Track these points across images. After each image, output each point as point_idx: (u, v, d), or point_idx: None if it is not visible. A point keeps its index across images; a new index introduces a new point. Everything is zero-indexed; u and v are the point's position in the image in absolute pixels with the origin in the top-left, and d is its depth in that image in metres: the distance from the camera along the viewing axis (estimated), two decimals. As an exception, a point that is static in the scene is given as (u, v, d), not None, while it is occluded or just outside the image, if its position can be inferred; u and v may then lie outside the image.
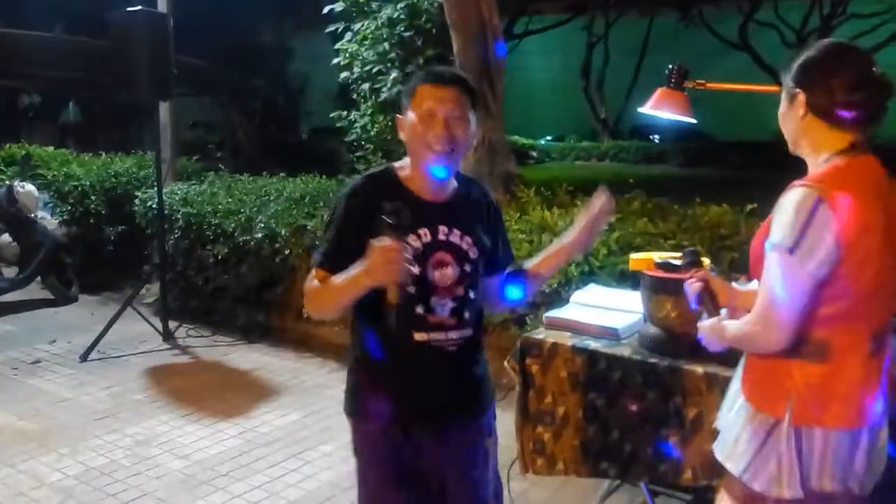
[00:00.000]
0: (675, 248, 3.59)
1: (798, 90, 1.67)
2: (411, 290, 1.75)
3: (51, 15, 15.00)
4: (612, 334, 2.72)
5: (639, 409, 2.54)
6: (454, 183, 1.91)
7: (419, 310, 1.81)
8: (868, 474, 1.69)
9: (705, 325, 1.84)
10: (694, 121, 2.53)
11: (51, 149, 8.73)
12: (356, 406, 1.93)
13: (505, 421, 3.84)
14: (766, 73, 16.65)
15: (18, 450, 3.66)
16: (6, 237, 6.60)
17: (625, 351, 2.61)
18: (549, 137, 26.01)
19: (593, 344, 2.68)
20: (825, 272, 1.57)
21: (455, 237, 1.84)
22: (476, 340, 1.93)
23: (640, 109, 2.62)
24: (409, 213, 1.67)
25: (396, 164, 1.92)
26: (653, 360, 2.52)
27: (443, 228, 1.84)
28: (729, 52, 18.89)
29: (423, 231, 1.81)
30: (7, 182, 6.65)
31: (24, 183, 6.52)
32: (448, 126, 1.77)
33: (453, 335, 1.84)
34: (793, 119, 1.70)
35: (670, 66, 2.52)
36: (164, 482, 3.35)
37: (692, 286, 1.90)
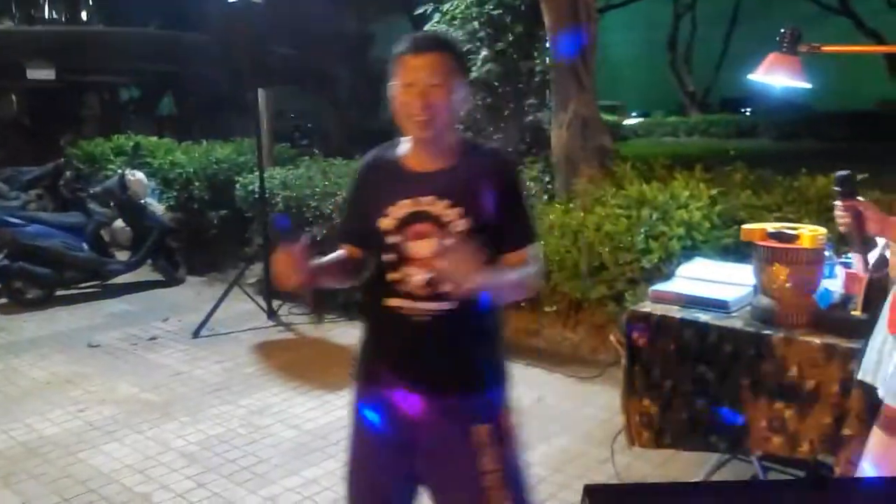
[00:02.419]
0: (780, 220, 3.51)
1: None
2: (391, 257, 1.77)
3: (143, 12, 15.66)
4: (722, 306, 2.69)
5: (751, 381, 2.51)
6: (451, 153, 1.80)
7: (394, 276, 1.77)
8: None
9: None
10: (809, 85, 2.45)
11: (155, 139, 9.15)
12: (353, 366, 1.95)
13: (604, 396, 3.91)
14: (869, 38, 15.76)
15: (144, 418, 3.92)
16: (120, 222, 6.99)
17: (736, 323, 2.58)
18: (634, 114, 25.42)
19: (703, 317, 2.66)
20: None
21: (438, 207, 1.75)
22: (463, 316, 1.76)
23: (750, 76, 2.55)
24: (285, 224, 1.74)
25: (400, 139, 1.88)
26: (767, 331, 2.48)
27: (425, 199, 1.76)
28: (827, 17, 17.96)
29: (406, 202, 1.76)
30: (119, 171, 7.02)
31: (135, 171, 6.87)
32: (424, 95, 1.71)
33: (426, 306, 1.76)
34: None
35: (783, 30, 2.44)
36: (279, 450, 3.52)
37: (843, 219, 1.96)
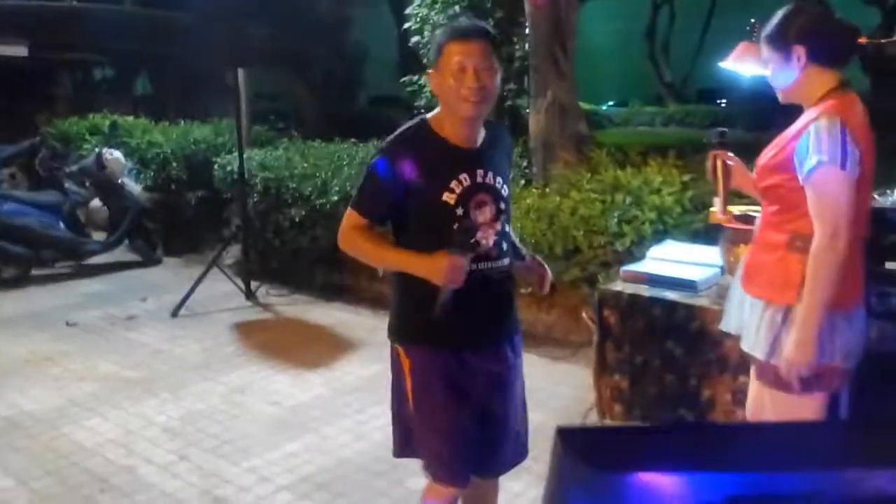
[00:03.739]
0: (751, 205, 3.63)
1: (798, 45, 1.98)
2: (459, 227, 1.97)
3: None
4: (690, 286, 2.80)
5: (717, 357, 2.63)
6: (483, 130, 2.05)
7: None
8: (855, 351, 2.01)
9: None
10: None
11: (131, 118, 9.09)
12: (409, 332, 2.09)
13: (577, 375, 4.02)
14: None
15: (126, 395, 3.96)
16: (97, 202, 6.96)
17: (703, 301, 2.70)
18: (611, 103, 25.54)
19: (671, 295, 2.78)
20: (856, 175, 1.92)
21: (490, 179, 2.01)
22: (510, 269, 2.11)
23: (720, 64, 2.67)
24: (474, 231, 1.94)
25: (429, 116, 2.05)
26: (732, 309, 2.59)
27: (479, 172, 1.99)
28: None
29: (463, 176, 1.97)
30: (95, 149, 6.99)
31: (112, 150, 6.84)
32: (479, 78, 1.90)
33: (497, 264, 2.04)
34: (792, 71, 2.00)
35: (752, 21, 2.56)
36: (260, 424, 3.60)
37: (712, 164, 2.24)
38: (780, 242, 2.03)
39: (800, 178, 1.94)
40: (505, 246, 2.06)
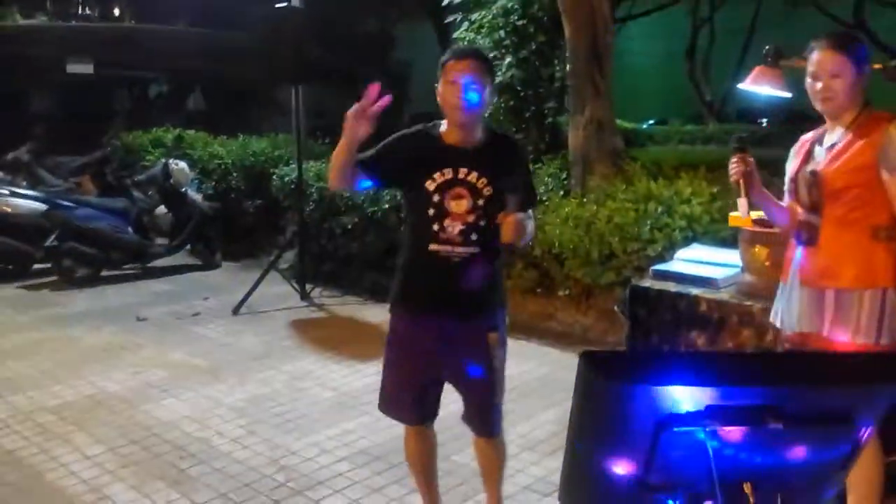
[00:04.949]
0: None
1: (864, 61, 2.28)
2: (433, 212, 2.33)
3: (172, 10, 16.22)
4: (711, 283, 3.10)
5: (735, 345, 2.92)
6: (480, 136, 2.39)
7: (435, 227, 2.34)
8: None
9: None
10: (789, 95, 2.86)
11: (192, 132, 9.64)
12: (392, 298, 2.52)
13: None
14: (883, 53, 16.02)
15: (196, 380, 4.37)
16: (162, 209, 7.46)
17: (723, 296, 2.99)
18: (651, 121, 25.67)
19: (695, 290, 3.08)
20: None
21: (471, 177, 2.33)
22: (483, 257, 2.37)
23: (739, 85, 2.97)
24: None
25: (441, 122, 2.43)
26: (748, 302, 2.89)
27: (462, 169, 2.34)
28: (843, 31, 18.22)
29: (447, 170, 2.33)
30: (162, 160, 7.51)
31: (178, 161, 7.35)
32: (465, 89, 2.27)
33: (459, 250, 2.34)
34: (858, 83, 2.27)
35: (767, 47, 2.87)
36: (319, 407, 3.97)
37: (737, 168, 2.41)
38: (861, 237, 2.28)
39: (887, 173, 2.21)
40: (474, 237, 2.34)
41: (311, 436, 3.62)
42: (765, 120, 23.45)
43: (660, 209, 4.41)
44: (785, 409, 1.27)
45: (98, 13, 17.67)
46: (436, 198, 2.34)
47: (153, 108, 19.17)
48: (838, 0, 18.65)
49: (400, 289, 2.50)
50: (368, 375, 4.39)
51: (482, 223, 2.36)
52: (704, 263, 3.29)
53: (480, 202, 2.34)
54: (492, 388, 2.48)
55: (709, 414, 1.26)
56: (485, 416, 2.54)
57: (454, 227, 2.34)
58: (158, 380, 4.38)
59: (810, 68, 2.33)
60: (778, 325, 2.53)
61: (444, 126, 2.41)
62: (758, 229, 2.91)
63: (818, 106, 2.35)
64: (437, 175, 2.34)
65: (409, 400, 2.53)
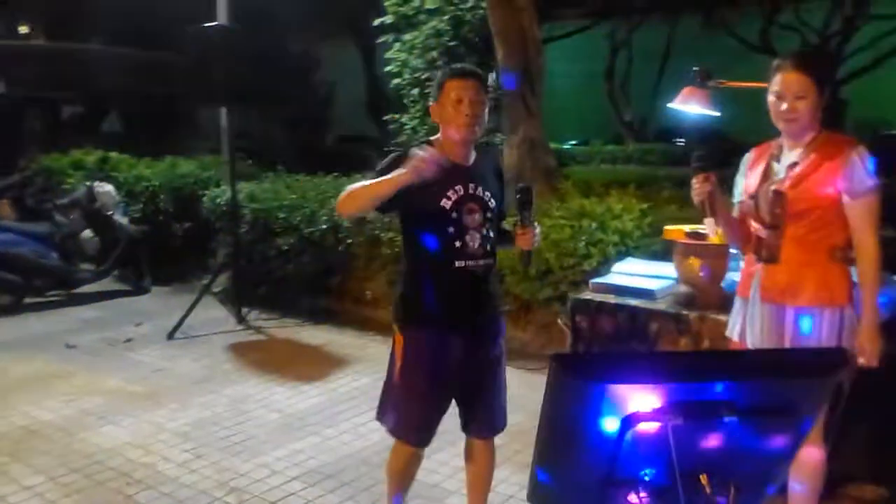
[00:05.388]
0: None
1: (825, 82, 2.38)
2: (452, 228, 2.41)
3: (86, 28, 15.78)
4: (648, 295, 3.26)
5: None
6: (475, 152, 2.51)
7: (457, 244, 2.42)
8: None
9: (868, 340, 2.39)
10: (718, 113, 3.06)
11: (114, 154, 9.39)
12: (406, 317, 2.53)
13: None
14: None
15: (135, 406, 4.27)
16: (88, 233, 7.23)
17: (660, 306, 3.15)
18: (573, 142, 26.35)
19: (633, 302, 3.23)
20: None
21: (479, 191, 2.46)
22: (493, 266, 2.54)
23: (669, 105, 3.16)
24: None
25: (433, 138, 2.52)
26: (685, 312, 3.06)
27: (471, 185, 2.45)
28: (751, 55, 19.18)
29: (458, 187, 2.43)
30: (87, 183, 7.30)
31: (103, 183, 7.16)
32: (472, 107, 2.38)
33: (481, 262, 2.46)
34: (823, 102, 2.37)
35: (695, 68, 3.06)
36: (265, 429, 3.94)
37: (701, 188, 2.43)
38: (820, 257, 2.38)
39: (849, 198, 2.32)
40: (489, 247, 2.48)
41: (259, 457, 3.60)
42: (681, 140, 24.38)
43: (593, 225, 4.59)
44: (738, 403, 1.40)
45: (4, 29, 17.05)
46: (454, 215, 2.42)
47: (67, 130, 18.54)
48: (748, 24, 19.72)
49: (418, 308, 2.49)
50: (313, 396, 4.39)
51: (492, 234, 2.49)
52: (640, 276, 3.46)
53: (489, 214, 2.47)
54: (499, 391, 2.62)
55: (671, 409, 1.37)
56: (497, 414, 2.63)
57: (474, 242, 2.44)
58: (95, 407, 4.27)
59: (775, 87, 2.36)
60: (736, 339, 2.59)
61: (440, 144, 2.46)
62: (691, 241, 3.08)
63: (781, 126, 2.40)
64: (450, 193, 2.42)
65: (427, 420, 2.54)
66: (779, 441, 1.44)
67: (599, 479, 1.46)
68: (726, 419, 1.38)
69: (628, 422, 1.36)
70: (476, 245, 2.44)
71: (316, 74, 23.04)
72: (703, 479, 1.48)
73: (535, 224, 2.49)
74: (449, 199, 2.41)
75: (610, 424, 1.37)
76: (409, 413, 2.53)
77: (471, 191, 2.45)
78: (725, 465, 1.47)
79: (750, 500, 1.47)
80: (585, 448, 1.42)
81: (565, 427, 1.42)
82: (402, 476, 2.67)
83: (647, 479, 1.48)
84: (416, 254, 2.50)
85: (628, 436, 1.38)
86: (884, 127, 15.55)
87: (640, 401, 1.37)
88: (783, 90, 2.35)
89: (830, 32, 18.83)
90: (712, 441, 1.43)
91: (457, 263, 2.43)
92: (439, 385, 2.51)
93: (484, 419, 2.63)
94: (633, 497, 1.49)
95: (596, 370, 1.34)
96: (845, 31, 18.17)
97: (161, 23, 11.51)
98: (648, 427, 1.38)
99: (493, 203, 2.49)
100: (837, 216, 2.36)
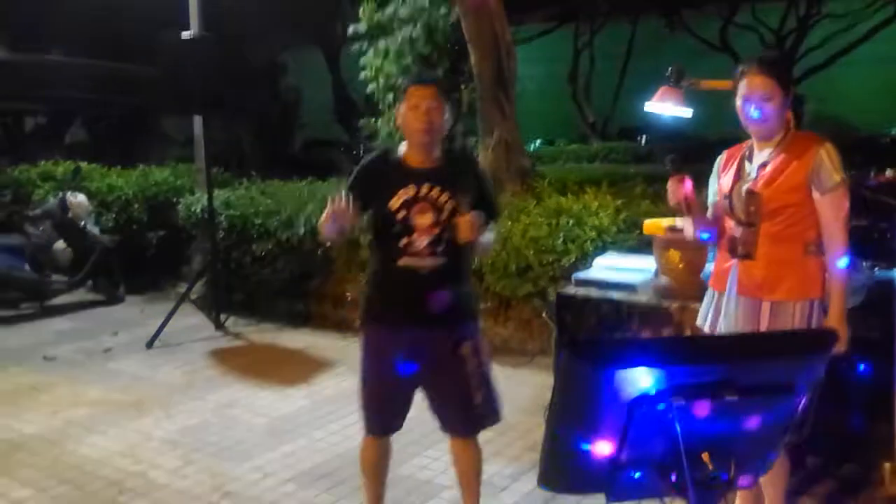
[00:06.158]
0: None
1: (791, 85, 2.46)
2: (399, 228, 2.47)
3: (45, 38, 15.52)
4: (631, 287, 3.35)
5: (656, 343, 3.17)
6: (438, 154, 2.56)
7: (402, 243, 2.50)
8: None
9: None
10: (690, 112, 3.17)
11: (84, 163, 9.27)
12: (363, 314, 2.67)
13: (535, 378, 4.52)
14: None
15: (121, 415, 4.25)
16: (61, 243, 7.15)
17: (642, 298, 3.25)
18: (539, 142, 26.60)
19: (616, 295, 3.32)
20: None
21: (434, 193, 2.49)
22: (451, 268, 2.53)
23: (646, 105, 3.25)
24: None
25: (401, 145, 2.62)
26: (666, 303, 3.16)
27: (425, 186, 2.50)
28: (710, 53, 19.57)
29: (410, 187, 2.49)
30: (59, 193, 7.21)
31: (76, 193, 7.08)
32: (428, 113, 2.46)
33: (427, 262, 2.49)
34: (785, 107, 2.45)
35: (670, 68, 3.16)
36: (254, 433, 3.96)
37: (679, 189, 2.53)
38: (795, 252, 2.45)
39: (818, 193, 2.39)
40: (440, 248, 2.49)
41: (251, 461, 3.62)
42: (643, 137, 24.77)
43: (571, 222, 4.68)
44: (738, 383, 1.48)
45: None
46: (400, 214, 2.48)
47: (30, 141, 18.21)
48: (707, 24, 20.14)
49: (370, 304, 2.63)
50: (298, 400, 4.42)
51: (447, 235, 2.50)
52: (621, 269, 3.55)
53: (443, 216, 2.49)
54: (468, 393, 2.60)
55: (675, 391, 1.45)
56: (470, 413, 2.65)
57: (421, 241, 2.49)
58: (79, 417, 4.24)
59: (742, 91, 2.44)
60: (707, 329, 2.67)
61: (403, 149, 2.58)
62: (671, 235, 3.18)
63: (751, 128, 2.48)
64: (400, 192, 2.49)
65: (378, 410, 2.66)
66: (776, 416, 1.52)
67: (609, 460, 1.53)
68: (728, 398, 1.46)
69: (637, 403, 1.43)
70: (423, 245, 2.49)
71: (282, 80, 23.01)
72: (706, 456, 1.56)
73: (480, 215, 2.47)
74: (398, 198, 2.49)
75: (619, 407, 1.44)
76: (364, 402, 2.68)
77: (423, 192, 2.50)
78: (726, 443, 1.55)
79: (749, 473, 1.55)
80: (596, 430, 1.49)
81: (577, 411, 1.48)
82: (369, 466, 2.77)
83: (652, 458, 1.56)
84: (372, 254, 2.66)
85: (636, 417, 1.46)
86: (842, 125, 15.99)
87: (646, 384, 1.44)
88: (750, 94, 2.43)
89: (786, 32, 19.31)
90: (714, 420, 1.51)
91: (401, 262, 2.50)
92: (386, 377, 2.58)
93: (457, 419, 2.67)
94: (639, 475, 1.57)
95: (606, 356, 1.41)
96: (800, 30, 18.67)
97: (128, 31, 11.40)
98: (654, 408, 1.46)
99: (451, 205, 2.49)
100: (810, 212, 2.45)
